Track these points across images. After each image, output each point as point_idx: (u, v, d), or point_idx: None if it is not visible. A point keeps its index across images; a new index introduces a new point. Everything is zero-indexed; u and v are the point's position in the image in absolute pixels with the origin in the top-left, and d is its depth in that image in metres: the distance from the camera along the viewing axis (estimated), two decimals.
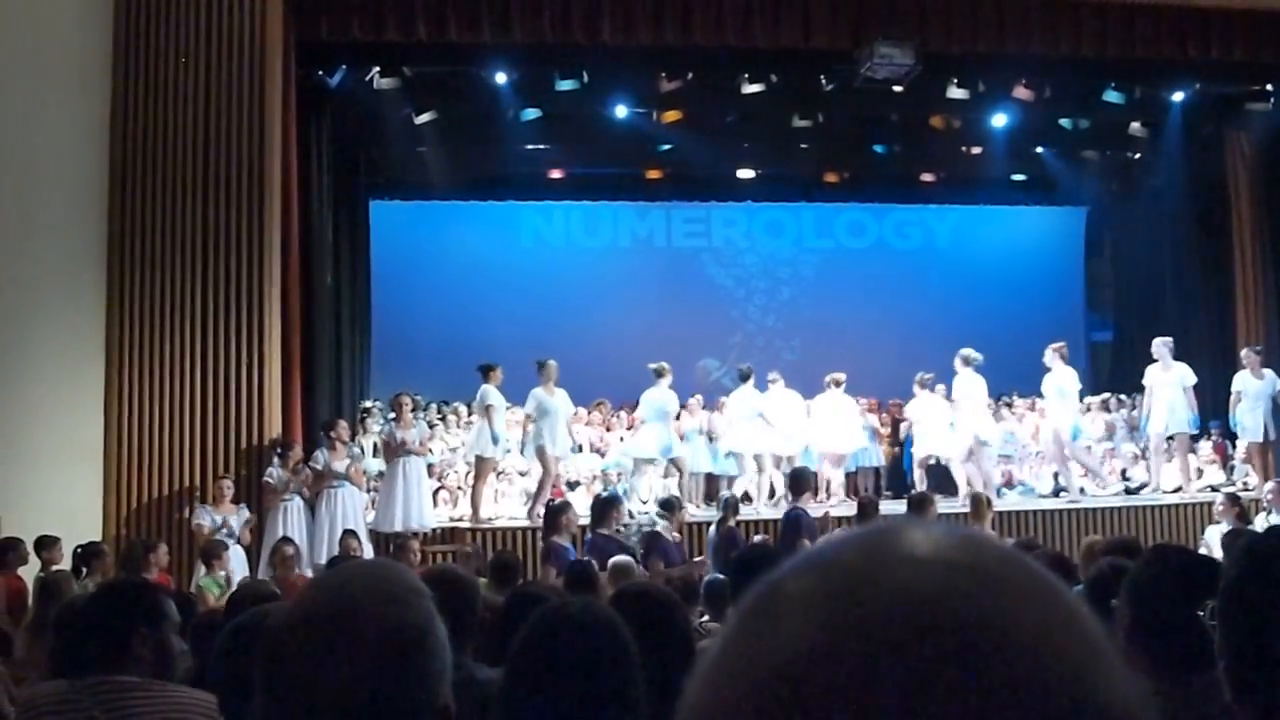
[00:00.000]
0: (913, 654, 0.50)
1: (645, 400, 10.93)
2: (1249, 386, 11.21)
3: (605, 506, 8.13)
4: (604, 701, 1.92)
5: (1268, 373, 11.22)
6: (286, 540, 8.07)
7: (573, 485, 11.22)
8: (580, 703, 1.91)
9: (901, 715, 0.49)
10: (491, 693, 2.28)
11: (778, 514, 9.48)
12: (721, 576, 5.12)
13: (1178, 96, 12.72)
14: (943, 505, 9.69)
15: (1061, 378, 11.21)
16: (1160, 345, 11.53)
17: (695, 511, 10.58)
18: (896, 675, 0.49)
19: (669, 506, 8.43)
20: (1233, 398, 11.37)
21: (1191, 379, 11.33)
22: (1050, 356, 11.30)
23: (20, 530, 7.65)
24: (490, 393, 10.27)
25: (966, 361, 11.15)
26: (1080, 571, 4.79)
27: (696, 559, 8.16)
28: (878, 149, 15.32)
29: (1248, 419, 11.18)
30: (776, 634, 0.52)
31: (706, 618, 4.90)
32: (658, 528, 8.26)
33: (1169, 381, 11.29)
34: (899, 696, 0.49)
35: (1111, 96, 12.51)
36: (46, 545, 7.59)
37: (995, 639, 0.51)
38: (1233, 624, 1.64)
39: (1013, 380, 13.43)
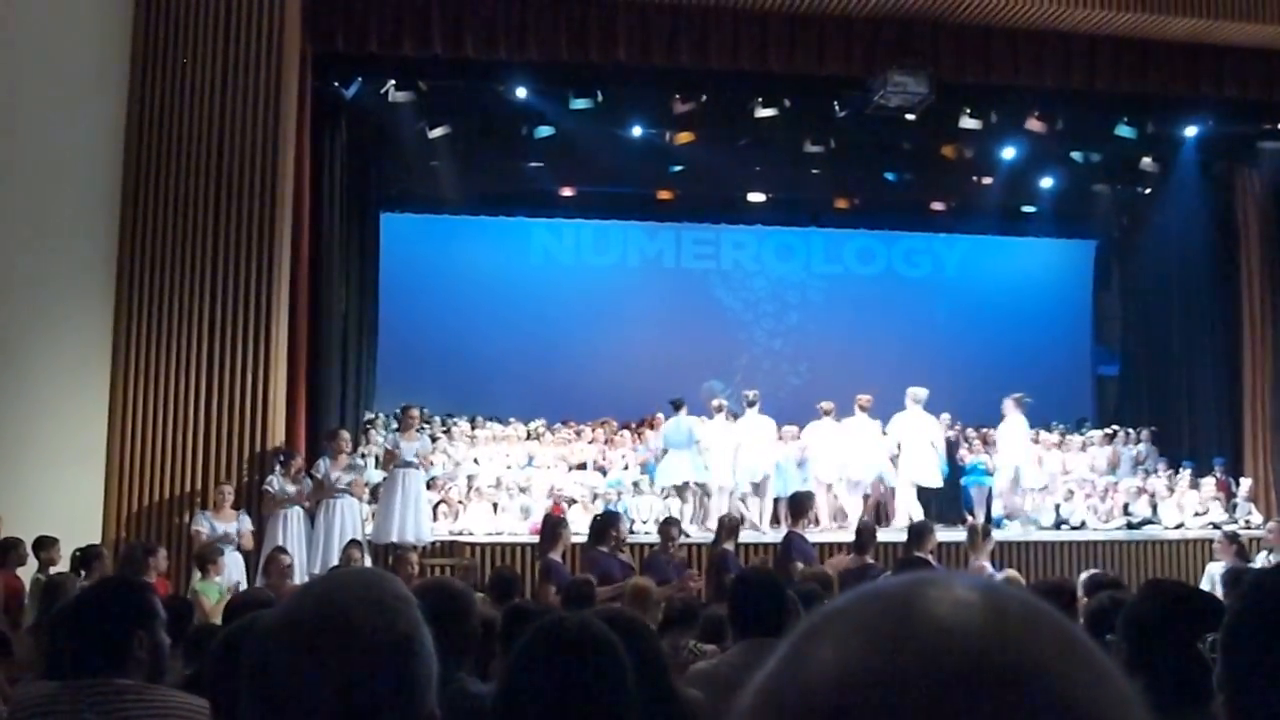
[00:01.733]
0: (956, 687, 0.51)
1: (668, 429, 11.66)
2: (907, 432, 11.39)
3: (605, 524, 8.14)
4: (597, 718, 1.91)
5: (928, 417, 11.48)
6: (281, 550, 8.06)
7: (570, 502, 11.20)
8: (573, 718, 1.90)
9: None
10: (484, 706, 2.27)
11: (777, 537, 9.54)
12: (719, 612, 5.08)
13: (1190, 132, 12.74)
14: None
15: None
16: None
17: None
18: (939, 706, 0.51)
19: (665, 528, 8.43)
20: (895, 447, 11.49)
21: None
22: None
23: (20, 531, 7.66)
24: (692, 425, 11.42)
25: (1018, 404, 11.70)
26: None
27: (687, 571, 8.13)
28: (889, 176, 15.32)
29: (924, 471, 11.33)
30: (824, 655, 0.55)
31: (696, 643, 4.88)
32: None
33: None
34: None
35: (1124, 131, 12.52)
36: (45, 545, 7.62)
37: (1037, 685, 0.52)
38: (1236, 658, 1.63)
39: None
